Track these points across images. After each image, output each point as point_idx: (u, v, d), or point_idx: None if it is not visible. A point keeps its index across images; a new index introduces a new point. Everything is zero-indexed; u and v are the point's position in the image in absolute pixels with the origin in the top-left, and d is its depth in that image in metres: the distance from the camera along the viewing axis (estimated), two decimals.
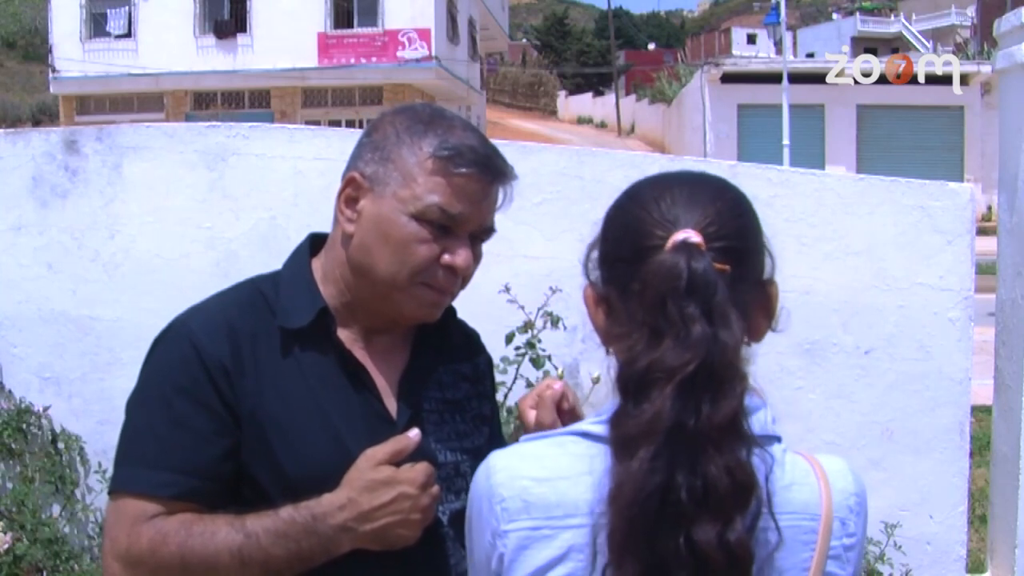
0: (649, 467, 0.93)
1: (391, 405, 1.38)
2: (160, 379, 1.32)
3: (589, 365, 3.36)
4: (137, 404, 1.34)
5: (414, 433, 1.31)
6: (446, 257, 1.33)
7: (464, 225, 1.34)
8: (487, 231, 1.39)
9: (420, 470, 1.29)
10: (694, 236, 1.02)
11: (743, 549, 0.93)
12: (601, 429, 1.04)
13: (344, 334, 1.38)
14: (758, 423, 1.02)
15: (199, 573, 1.25)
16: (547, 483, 1.03)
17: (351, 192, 1.37)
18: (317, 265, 1.43)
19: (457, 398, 1.46)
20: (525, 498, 1.03)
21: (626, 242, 1.07)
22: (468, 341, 1.55)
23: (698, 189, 1.09)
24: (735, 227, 1.06)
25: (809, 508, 1.02)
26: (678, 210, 1.05)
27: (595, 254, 1.13)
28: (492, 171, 1.35)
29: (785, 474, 1.01)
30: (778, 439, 1.05)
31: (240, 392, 1.31)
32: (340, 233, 1.39)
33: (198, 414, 1.29)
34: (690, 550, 0.92)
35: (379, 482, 1.27)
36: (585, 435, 1.06)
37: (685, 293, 0.98)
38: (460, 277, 1.36)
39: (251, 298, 1.39)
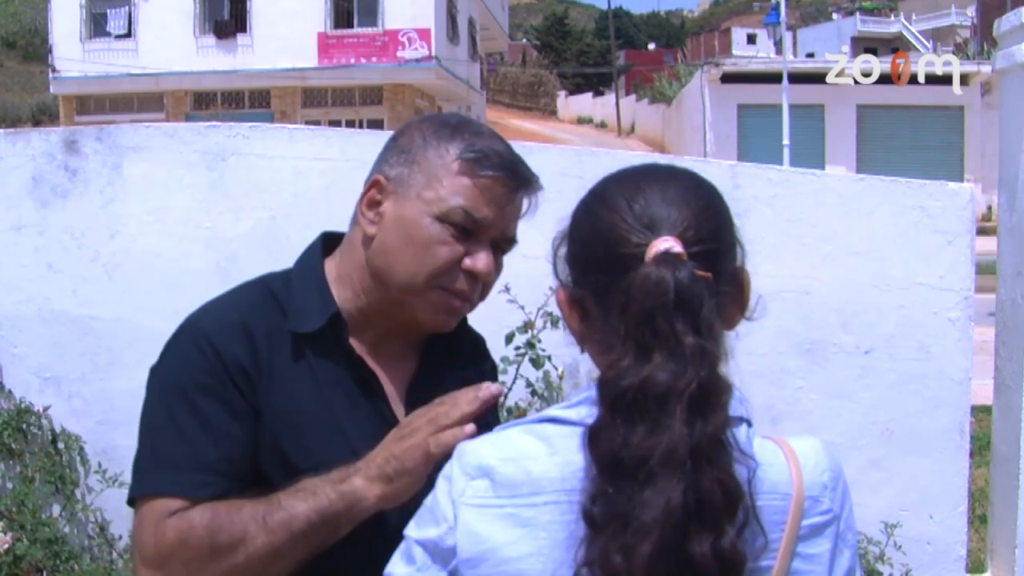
0: (675, 494, 0.92)
1: (399, 411, 1.37)
2: (182, 380, 1.29)
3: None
4: (158, 407, 1.31)
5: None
6: (467, 261, 1.31)
7: (487, 230, 1.32)
8: (509, 240, 1.37)
9: (430, 408, 1.24)
10: (676, 245, 1.00)
11: (735, 555, 0.93)
12: (572, 414, 1.04)
13: (355, 340, 1.37)
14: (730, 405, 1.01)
15: (228, 550, 1.22)
16: (513, 462, 1.03)
17: (374, 194, 1.35)
18: (331, 266, 1.41)
19: None
20: (491, 476, 1.03)
21: (598, 247, 1.05)
22: (474, 346, 1.53)
23: (669, 187, 1.06)
24: (711, 228, 1.04)
25: (778, 488, 1.01)
26: (652, 212, 1.03)
27: (563, 251, 1.12)
28: (517, 177, 1.34)
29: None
30: (748, 422, 1.04)
31: (257, 393, 1.30)
32: (360, 235, 1.36)
33: (225, 413, 1.28)
34: (685, 563, 0.92)
35: (395, 438, 1.24)
36: (553, 420, 1.05)
37: (674, 308, 0.96)
38: (480, 283, 1.34)
39: (263, 298, 1.37)
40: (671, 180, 1.08)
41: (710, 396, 0.96)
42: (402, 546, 1.08)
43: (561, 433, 1.03)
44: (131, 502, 1.30)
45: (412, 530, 1.08)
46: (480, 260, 1.32)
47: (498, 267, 1.37)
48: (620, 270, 1.01)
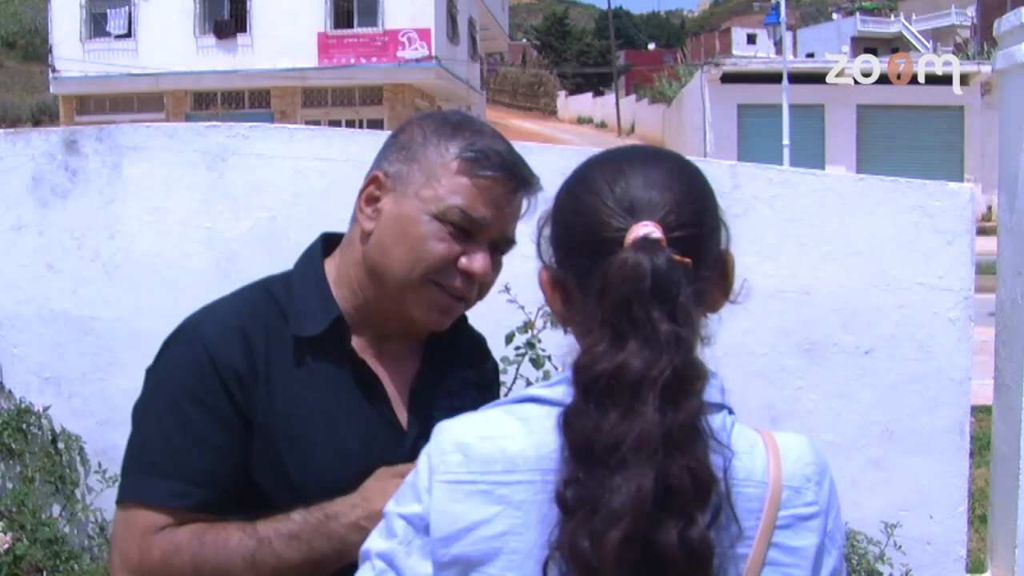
0: (645, 481, 0.91)
1: (402, 414, 1.37)
2: (172, 385, 1.29)
3: None
4: (147, 410, 1.31)
5: None
6: (463, 261, 1.30)
7: (485, 231, 1.31)
8: (508, 241, 1.36)
9: None
10: (655, 231, 0.99)
11: (704, 545, 0.92)
12: (551, 393, 1.03)
13: (356, 340, 1.36)
14: (709, 393, 1.00)
15: None
16: (490, 440, 1.02)
17: (373, 190, 1.35)
18: (331, 266, 1.40)
19: (464, 405, 1.42)
20: (466, 452, 1.02)
21: (579, 229, 1.04)
22: (476, 346, 1.52)
23: (652, 170, 1.05)
24: (693, 213, 1.03)
25: (753, 476, 1.00)
26: (633, 196, 1.02)
27: (547, 231, 1.11)
28: (517, 177, 1.32)
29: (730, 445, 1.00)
30: (729, 409, 1.03)
31: (253, 400, 1.29)
32: (358, 231, 1.36)
33: (211, 423, 1.27)
34: (651, 552, 0.91)
35: (392, 484, 1.25)
36: (532, 399, 1.05)
37: (650, 295, 0.96)
38: (477, 284, 1.33)
39: (263, 301, 1.36)
40: (654, 163, 1.07)
41: (684, 384, 0.95)
42: (381, 523, 1.07)
43: (539, 413, 1.03)
44: (118, 502, 1.31)
45: (392, 506, 1.07)
46: (476, 261, 1.31)
47: (496, 268, 1.36)
48: (601, 254, 1.00)
